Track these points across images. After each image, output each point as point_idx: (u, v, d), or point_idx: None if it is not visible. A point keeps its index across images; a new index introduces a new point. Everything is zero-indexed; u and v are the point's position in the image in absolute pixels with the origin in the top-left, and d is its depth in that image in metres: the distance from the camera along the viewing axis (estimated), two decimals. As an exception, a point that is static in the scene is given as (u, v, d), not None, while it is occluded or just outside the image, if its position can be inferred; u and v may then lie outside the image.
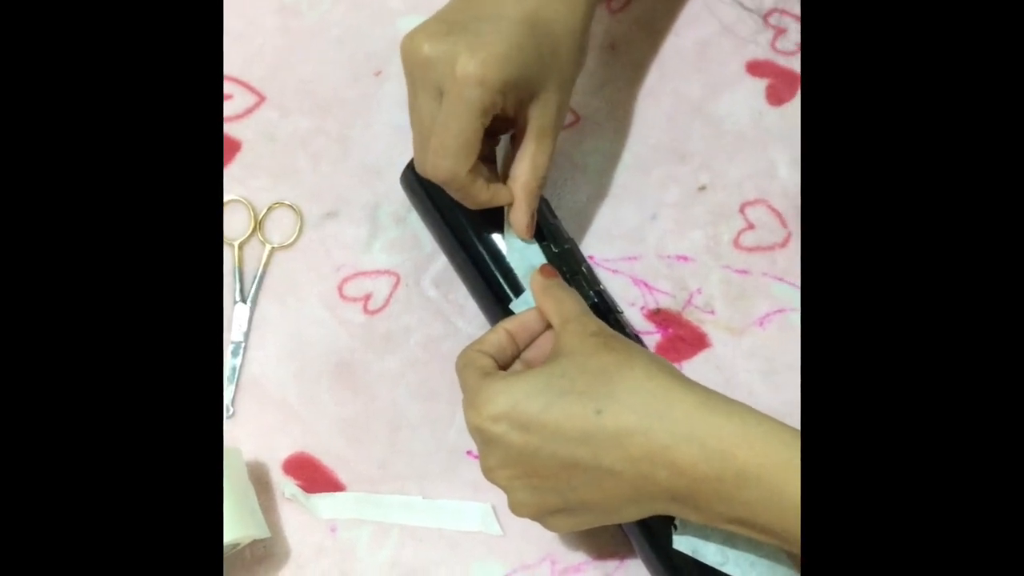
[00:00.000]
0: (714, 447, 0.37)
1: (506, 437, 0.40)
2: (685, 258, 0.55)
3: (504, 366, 0.45)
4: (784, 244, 0.55)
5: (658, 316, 0.54)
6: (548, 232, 0.50)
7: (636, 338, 0.50)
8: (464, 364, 0.44)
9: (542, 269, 0.48)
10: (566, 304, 0.45)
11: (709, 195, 0.56)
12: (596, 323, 0.43)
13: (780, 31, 0.59)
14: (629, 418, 0.38)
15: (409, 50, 0.45)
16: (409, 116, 0.47)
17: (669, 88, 0.58)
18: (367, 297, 0.55)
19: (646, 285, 0.54)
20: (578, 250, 0.52)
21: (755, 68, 0.58)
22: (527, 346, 0.46)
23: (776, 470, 0.37)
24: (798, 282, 0.54)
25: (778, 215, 0.55)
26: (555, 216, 0.52)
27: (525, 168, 0.47)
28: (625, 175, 0.56)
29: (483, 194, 0.47)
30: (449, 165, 0.45)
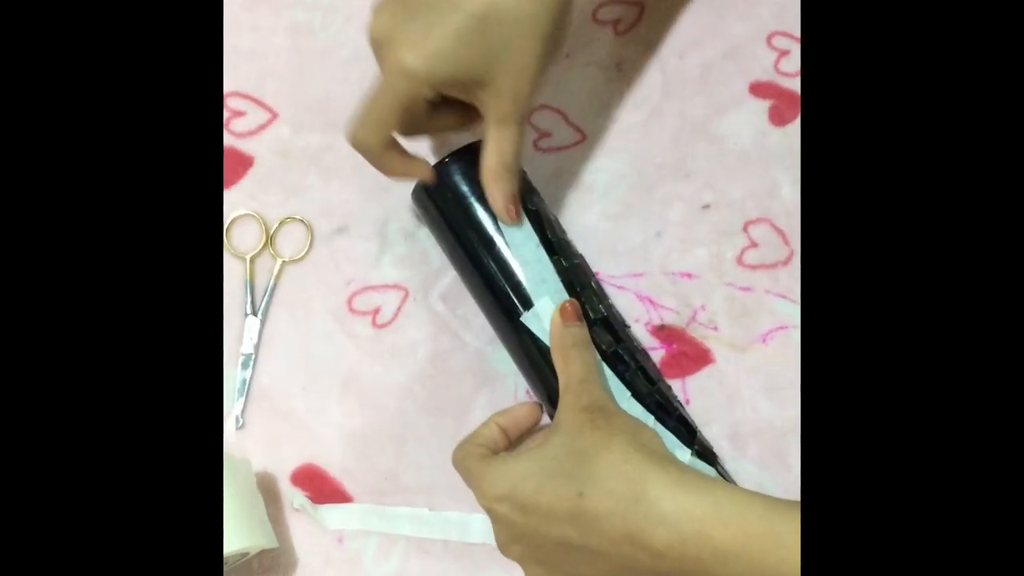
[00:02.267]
0: (689, 529, 0.38)
1: (509, 517, 0.42)
2: (689, 275, 0.55)
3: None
4: (786, 262, 0.55)
5: (663, 332, 0.55)
6: (558, 246, 0.51)
7: (644, 353, 0.51)
8: (462, 457, 0.46)
9: (563, 310, 0.48)
10: (572, 367, 0.46)
11: (713, 213, 0.57)
12: (590, 394, 0.45)
13: (783, 53, 0.60)
14: (606, 502, 0.40)
15: (370, 23, 0.47)
16: None
17: (674, 108, 0.59)
18: (376, 311, 0.56)
19: (651, 301, 0.55)
20: (587, 265, 0.53)
21: (758, 89, 0.59)
22: (518, 439, 0.49)
23: (754, 544, 0.38)
24: (800, 300, 0.54)
25: (780, 233, 0.56)
26: (564, 233, 0.53)
27: (488, 153, 0.48)
28: (630, 193, 0.57)
29: (395, 165, 0.48)
30: (360, 134, 0.47)
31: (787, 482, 0.51)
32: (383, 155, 0.48)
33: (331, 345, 0.55)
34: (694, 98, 0.59)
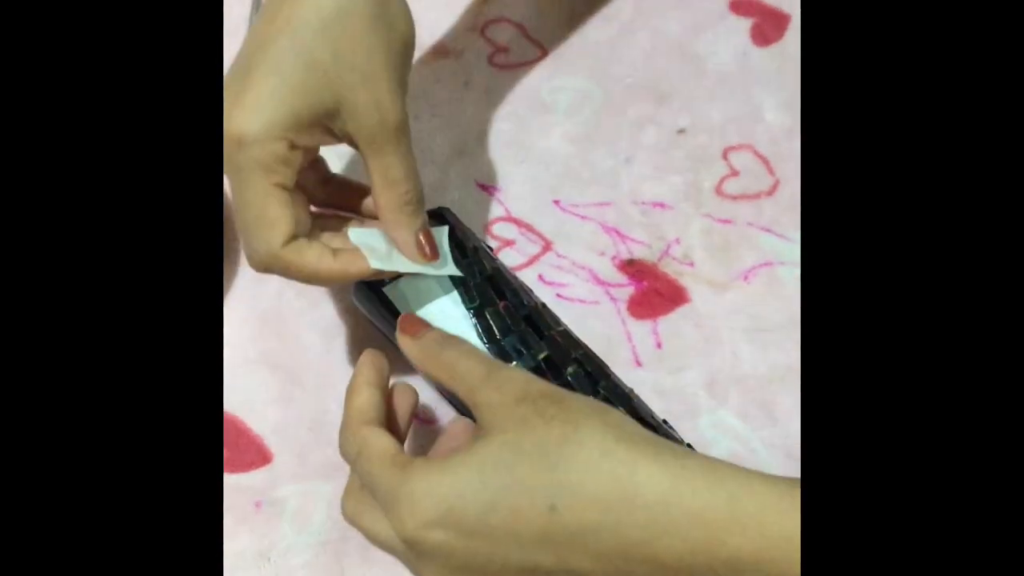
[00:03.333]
0: (700, 536, 0.31)
1: (445, 547, 0.32)
2: (662, 205, 0.49)
3: (395, 431, 0.37)
4: (771, 192, 0.49)
5: (631, 267, 0.48)
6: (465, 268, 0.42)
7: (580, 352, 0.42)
8: (358, 452, 0.35)
9: (402, 323, 0.38)
10: (461, 365, 0.36)
11: (689, 138, 0.50)
12: (516, 380, 0.35)
13: (767, -31, 0.54)
14: (590, 513, 0.31)
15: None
16: None
17: (646, 24, 0.53)
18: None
19: (618, 233, 0.49)
20: (506, 273, 0.44)
21: (739, 7, 0.53)
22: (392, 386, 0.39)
23: (774, 552, 0.31)
24: (787, 233, 0.48)
25: (764, 161, 0.50)
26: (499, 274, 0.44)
27: (377, 190, 0.39)
28: (597, 115, 0.51)
29: (326, 265, 0.38)
30: (261, 247, 0.37)
31: (772, 436, 0.44)
32: (302, 257, 0.37)
33: (248, 274, 0.48)
34: (669, 13, 0.53)
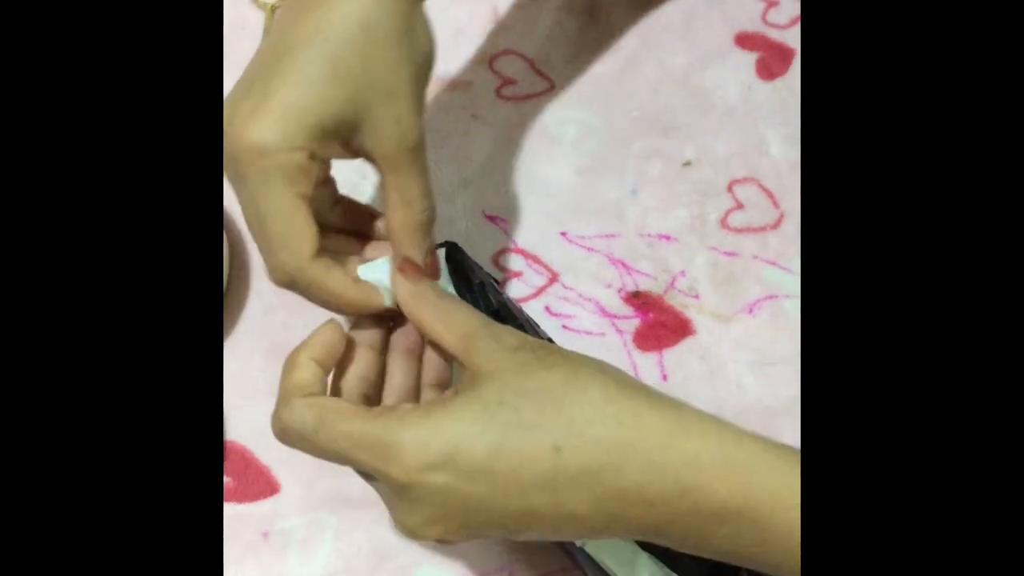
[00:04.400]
0: (690, 481, 0.32)
1: (445, 490, 0.32)
2: (668, 237, 0.49)
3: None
4: (776, 225, 0.50)
5: (637, 299, 0.48)
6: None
7: None
8: (318, 421, 0.33)
9: (402, 264, 0.37)
10: (458, 315, 0.35)
11: (695, 171, 0.51)
12: (513, 332, 0.34)
13: (771, 3, 0.55)
14: (594, 455, 0.32)
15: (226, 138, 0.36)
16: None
17: (652, 57, 0.53)
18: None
19: (624, 265, 0.49)
20: (512, 307, 0.44)
21: (744, 41, 0.54)
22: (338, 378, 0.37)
23: (761, 504, 0.31)
24: (792, 266, 0.49)
25: (769, 195, 0.50)
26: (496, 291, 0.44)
27: (392, 208, 0.38)
28: (603, 147, 0.51)
29: (350, 291, 0.37)
30: (289, 261, 0.36)
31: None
32: (327, 273, 0.36)
33: (257, 306, 0.48)
34: (674, 47, 0.54)
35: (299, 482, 0.45)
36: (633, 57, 0.53)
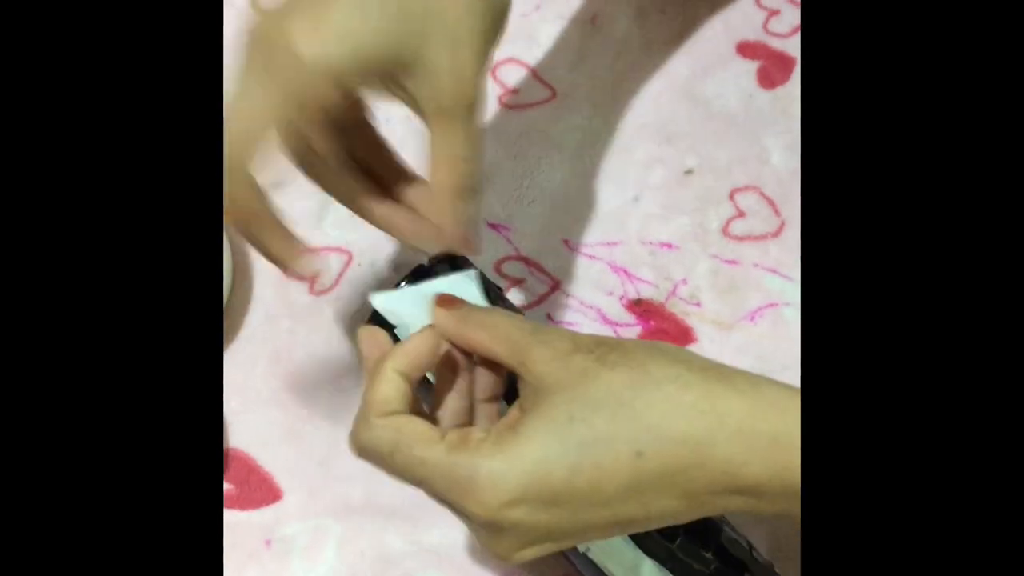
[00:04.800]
0: (778, 461, 0.31)
1: (527, 520, 0.31)
2: (669, 245, 0.50)
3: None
4: (777, 234, 0.50)
5: (639, 307, 0.48)
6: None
7: None
8: (394, 446, 0.32)
9: (440, 299, 0.35)
10: (503, 326, 0.33)
11: (696, 179, 0.51)
12: (563, 334, 0.33)
13: (773, 12, 0.55)
14: (680, 452, 0.30)
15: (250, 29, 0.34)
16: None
17: (653, 66, 0.54)
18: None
19: (626, 273, 0.49)
20: None
21: (746, 49, 0.54)
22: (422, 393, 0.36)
23: None
24: (793, 275, 0.49)
25: (770, 203, 0.51)
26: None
27: (437, 163, 0.36)
28: (606, 155, 0.52)
29: (270, 231, 0.35)
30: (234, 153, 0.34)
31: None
32: (253, 205, 0.35)
33: (260, 313, 0.48)
34: (676, 56, 0.54)
35: (301, 489, 0.45)
36: (635, 65, 0.54)
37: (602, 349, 0.32)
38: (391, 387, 0.33)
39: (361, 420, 0.33)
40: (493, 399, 0.36)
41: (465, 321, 0.34)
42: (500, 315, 0.34)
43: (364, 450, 0.33)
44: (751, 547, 0.41)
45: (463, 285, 0.38)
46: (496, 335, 0.33)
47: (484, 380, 0.36)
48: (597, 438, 0.30)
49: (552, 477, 0.30)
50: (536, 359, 0.32)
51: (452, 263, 0.44)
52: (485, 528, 0.32)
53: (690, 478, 0.31)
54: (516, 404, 0.34)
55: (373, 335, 0.35)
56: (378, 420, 0.32)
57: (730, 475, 0.31)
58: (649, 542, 0.39)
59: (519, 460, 0.30)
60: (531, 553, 0.32)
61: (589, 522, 0.31)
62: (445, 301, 0.35)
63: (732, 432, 0.30)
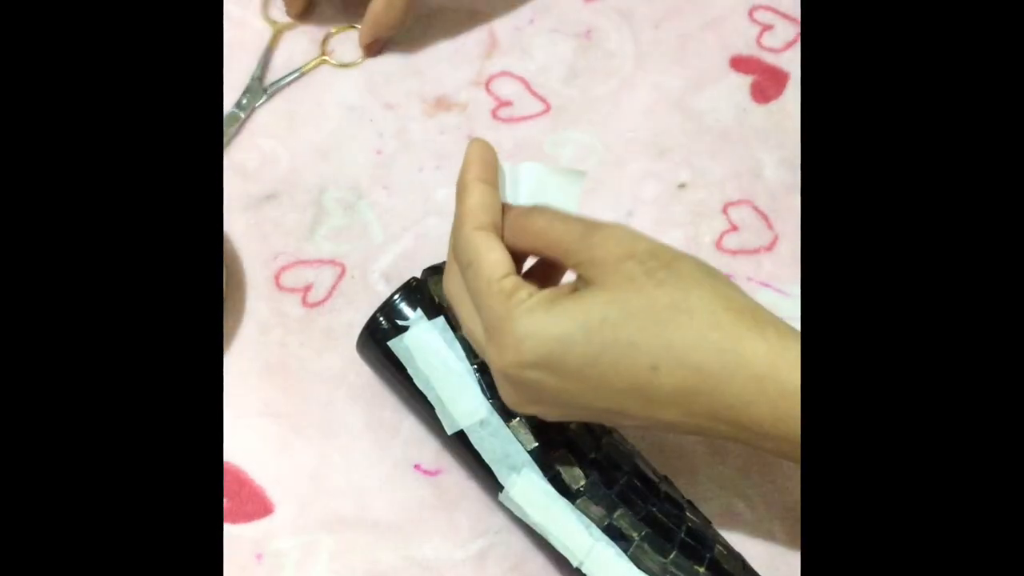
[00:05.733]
0: (787, 408, 0.32)
1: (540, 383, 0.34)
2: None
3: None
4: (771, 247, 0.50)
5: (632, 321, 0.48)
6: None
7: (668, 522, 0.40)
8: (469, 262, 0.34)
9: (473, 157, 0.36)
10: (555, 228, 0.35)
11: (689, 193, 0.51)
12: (619, 237, 0.34)
13: (766, 27, 0.55)
14: (691, 377, 0.33)
15: None
16: None
17: (648, 81, 0.54)
18: (307, 288, 0.49)
19: (620, 286, 0.49)
20: None
21: (739, 64, 0.54)
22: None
23: None
24: (786, 288, 0.49)
25: (764, 217, 0.51)
26: None
27: None
28: (599, 169, 0.52)
29: None
30: None
31: (772, 498, 0.45)
32: None
33: (252, 326, 0.48)
34: (670, 69, 0.54)
35: (293, 503, 0.45)
36: (628, 79, 0.54)
37: (653, 263, 0.34)
38: (476, 199, 0.35)
39: (455, 228, 0.36)
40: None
41: (512, 225, 0.36)
42: (549, 216, 0.35)
43: (453, 255, 0.36)
44: (744, 563, 0.41)
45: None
46: (547, 239, 0.35)
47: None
48: (620, 342, 0.33)
49: (567, 359, 0.33)
50: (588, 260, 0.34)
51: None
52: (500, 374, 0.35)
53: (695, 401, 0.33)
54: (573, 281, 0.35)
55: (481, 148, 0.36)
56: (463, 235, 0.35)
57: (735, 410, 0.33)
58: (643, 556, 0.39)
59: (542, 332, 0.33)
60: (533, 410, 0.36)
61: (594, 403, 0.34)
62: (481, 150, 0.37)
63: (747, 376, 0.33)
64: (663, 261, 0.34)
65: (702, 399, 0.33)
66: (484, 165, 0.36)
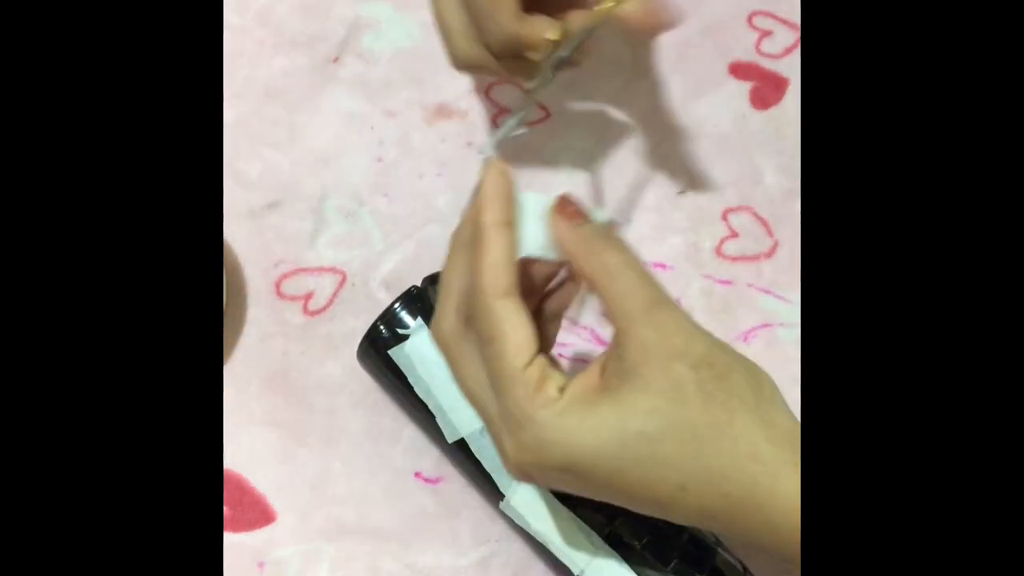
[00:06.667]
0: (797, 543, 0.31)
1: (558, 480, 0.31)
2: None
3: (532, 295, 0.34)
4: (770, 254, 0.50)
5: (633, 327, 0.49)
6: None
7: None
8: (491, 338, 0.31)
9: (560, 203, 0.33)
10: (622, 281, 0.32)
11: (689, 200, 0.51)
12: (679, 328, 0.31)
13: (765, 33, 0.55)
14: (718, 502, 0.31)
15: None
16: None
17: (646, 87, 0.54)
18: (308, 296, 0.49)
19: (620, 293, 0.49)
20: None
21: (738, 70, 0.54)
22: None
23: None
24: (786, 295, 0.49)
25: (763, 223, 0.51)
26: None
27: None
28: (598, 175, 0.52)
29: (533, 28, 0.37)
30: (496, 28, 0.37)
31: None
32: (533, 28, 0.37)
33: (254, 334, 0.48)
34: (669, 76, 0.54)
35: (295, 511, 0.45)
36: (627, 86, 0.54)
37: (706, 373, 0.31)
38: (499, 251, 0.32)
39: (474, 292, 0.32)
40: (557, 315, 0.35)
41: (584, 248, 0.32)
42: (622, 261, 0.32)
43: (472, 319, 0.32)
44: (745, 570, 0.41)
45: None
46: (609, 287, 0.32)
47: (564, 294, 0.35)
48: (654, 459, 0.30)
49: (595, 471, 0.30)
50: (639, 340, 0.31)
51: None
52: (513, 466, 0.31)
53: (714, 522, 0.31)
54: (601, 360, 0.32)
55: (499, 182, 0.33)
56: (484, 304, 0.31)
57: (756, 534, 0.31)
58: (644, 565, 0.39)
59: (576, 440, 0.30)
60: (535, 485, 0.33)
61: (609, 499, 0.32)
62: (564, 207, 0.33)
63: (772, 511, 0.30)
64: (716, 372, 0.31)
65: (721, 520, 0.31)
66: (504, 203, 0.33)
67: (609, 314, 0.32)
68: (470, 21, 0.39)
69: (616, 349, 0.31)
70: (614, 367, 0.31)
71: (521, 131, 0.38)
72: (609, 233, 0.33)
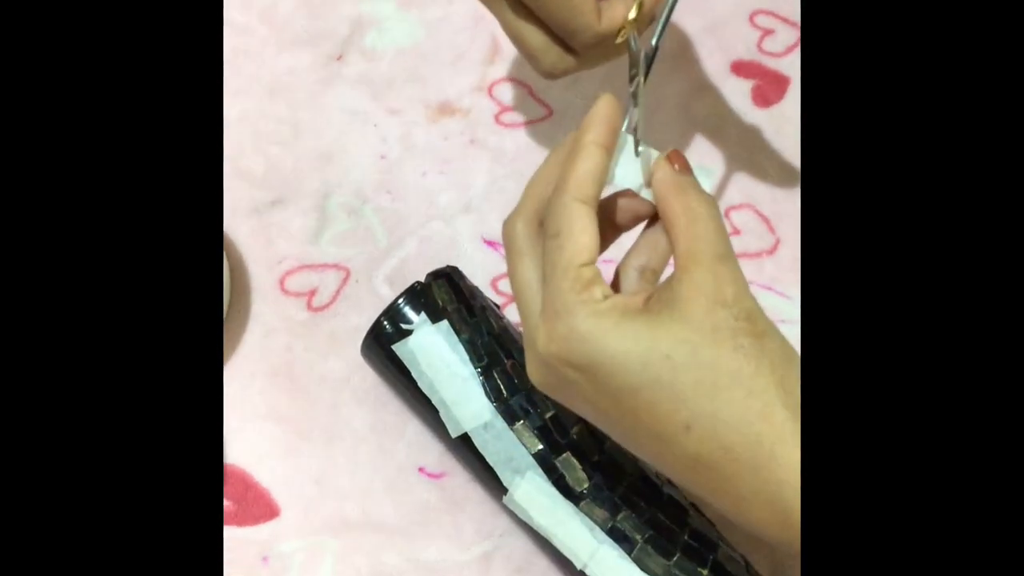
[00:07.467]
0: (796, 522, 0.31)
1: (573, 383, 0.32)
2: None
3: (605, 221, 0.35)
4: (772, 251, 0.50)
5: (635, 324, 0.49)
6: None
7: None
8: (557, 232, 0.32)
9: (673, 155, 0.35)
10: (699, 228, 0.33)
11: (691, 197, 0.51)
12: (734, 283, 0.32)
13: (767, 32, 0.55)
14: (716, 452, 0.31)
15: None
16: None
17: (648, 85, 0.54)
18: (312, 292, 0.49)
19: (622, 290, 0.49)
20: (512, 331, 0.45)
21: (740, 68, 0.55)
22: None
23: None
24: (788, 292, 0.49)
25: (766, 221, 0.51)
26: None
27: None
28: (601, 173, 0.52)
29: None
30: (585, 31, 0.38)
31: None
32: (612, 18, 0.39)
33: (258, 328, 0.48)
34: (670, 74, 0.54)
35: (299, 505, 0.45)
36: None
37: (742, 325, 0.31)
38: (588, 166, 0.33)
39: (557, 190, 0.33)
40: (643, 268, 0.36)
41: (674, 187, 0.34)
42: (707, 211, 0.33)
43: (545, 215, 0.33)
44: (747, 564, 0.41)
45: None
46: (691, 228, 0.33)
47: (648, 244, 0.36)
48: (671, 388, 0.31)
49: (615, 376, 0.31)
50: (695, 277, 0.32)
51: (447, 278, 0.44)
52: (537, 356, 0.33)
53: (707, 476, 0.31)
54: (648, 291, 0.33)
55: (609, 109, 0.34)
56: (563, 201, 0.32)
57: (742, 500, 0.31)
58: (647, 559, 0.39)
59: (603, 341, 0.31)
60: (552, 396, 0.34)
61: (612, 422, 0.32)
62: (679, 155, 0.35)
63: (767, 478, 0.31)
64: (755, 329, 0.32)
65: (713, 476, 0.31)
66: (609, 130, 0.34)
67: (677, 254, 0.33)
68: (550, 36, 0.40)
69: (669, 283, 0.32)
70: (661, 295, 0.32)
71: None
72: (700, 189, 0.34)
